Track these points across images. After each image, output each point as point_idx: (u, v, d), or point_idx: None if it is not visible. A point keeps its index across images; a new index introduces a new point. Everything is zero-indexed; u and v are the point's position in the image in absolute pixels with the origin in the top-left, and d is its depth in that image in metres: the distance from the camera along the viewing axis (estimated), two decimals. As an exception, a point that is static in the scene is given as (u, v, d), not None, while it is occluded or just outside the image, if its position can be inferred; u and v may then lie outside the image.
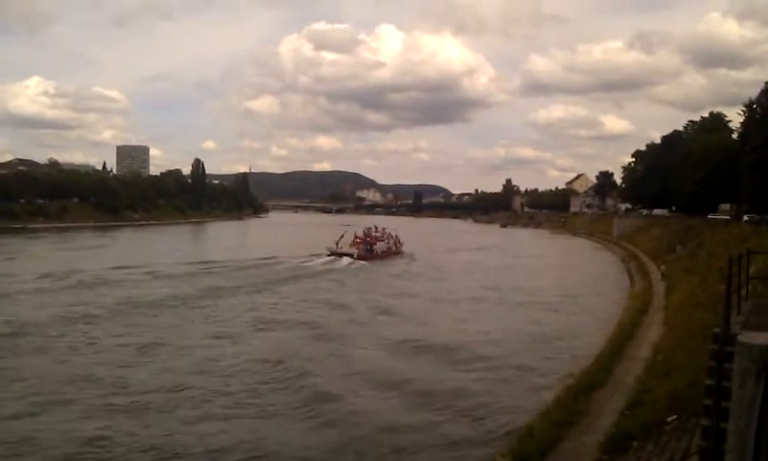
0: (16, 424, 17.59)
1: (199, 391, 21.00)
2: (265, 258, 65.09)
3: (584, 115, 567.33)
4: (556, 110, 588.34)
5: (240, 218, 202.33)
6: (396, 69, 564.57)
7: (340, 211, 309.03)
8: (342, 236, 73.99)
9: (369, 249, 73.24)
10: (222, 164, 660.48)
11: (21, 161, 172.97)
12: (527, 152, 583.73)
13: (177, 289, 44.39)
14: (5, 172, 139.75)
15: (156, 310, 36.30)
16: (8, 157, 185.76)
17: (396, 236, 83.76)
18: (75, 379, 21.87)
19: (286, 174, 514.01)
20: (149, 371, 23.57)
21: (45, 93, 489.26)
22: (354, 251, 70.93)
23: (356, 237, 76.82)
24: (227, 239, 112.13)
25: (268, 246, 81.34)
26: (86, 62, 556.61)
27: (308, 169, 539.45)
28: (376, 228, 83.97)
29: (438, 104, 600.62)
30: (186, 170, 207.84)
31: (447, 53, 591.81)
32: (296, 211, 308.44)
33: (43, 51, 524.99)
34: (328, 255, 69.08)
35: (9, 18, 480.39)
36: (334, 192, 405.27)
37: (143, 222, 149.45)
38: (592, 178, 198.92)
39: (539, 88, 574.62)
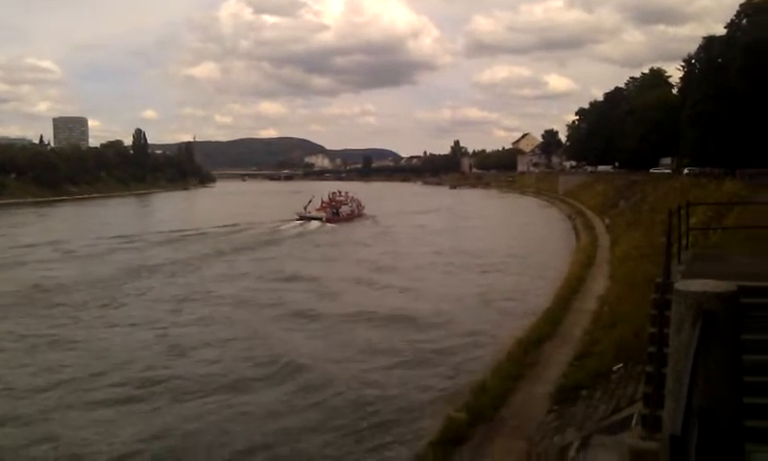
0: None
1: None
2: (236, 224, 67.52)
3: (528, 75, 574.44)
4: (500, 71, 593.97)
5: (186, 188, 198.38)
6: (339, 32, 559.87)
7: (289, 178, 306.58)
8: (310, 201, 77.03)
9: (335, 212, 77.03)
10: (164, 134, 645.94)
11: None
12: (474, 113, 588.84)
13: (164, 256, 45.83)
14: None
15: (153, 275, 38.64)
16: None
17: (359, 200, 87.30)
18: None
19: (232, 142, 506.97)
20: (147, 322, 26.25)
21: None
22: (322, 214, 74.35)
23: (322, 202, 79.66)
24: (182, 209, 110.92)
25: (231, 214, 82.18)
26: (18, 32, 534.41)
27: (254, 136, 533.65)
28: (340, 192, 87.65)
29: (384, 66, 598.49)
30: (128, 141, 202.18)
31: (391, 14, 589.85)
32: (243, 180, 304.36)
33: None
34: (297, 220, 72.17)
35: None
36: (282, 159, 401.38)
37: (85, 195, 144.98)
38: (538, 137, 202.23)
39: (483, 49, 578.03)
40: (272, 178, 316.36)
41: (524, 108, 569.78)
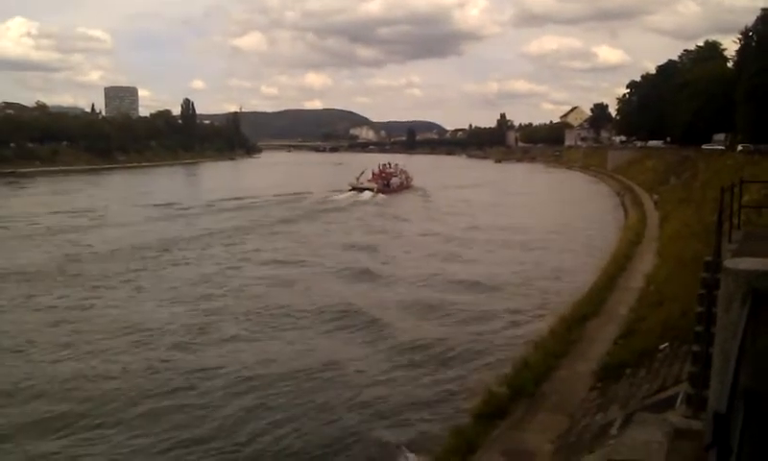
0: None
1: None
2: (293, 193, 71.21)
3: (578, 46, 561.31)
4: (549, 42, 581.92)
5: (232, 158, 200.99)
6: (385, 2, 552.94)
7: (333, 150, 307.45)
8: (362, 173, 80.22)
9: (386, 183, 79.69)
10: (211, 104, 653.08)
11: (8, 105, 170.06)
12: (521, 85, 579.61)
13: (232, 222, 48.44)
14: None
15: (230, 237, 41.47)
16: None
17: (407, 172, 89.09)
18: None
19: (277, 113, 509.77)
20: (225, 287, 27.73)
21: (28, 34, 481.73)
22: (374, 185, 77.24)
23: (373, 173, 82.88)
24: (233, 178, 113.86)
25: (282, 183, 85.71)
26: (69, 1, 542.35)
27: (300, 108, 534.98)
28: (390, 165, 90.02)
29: (430, 37, 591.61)
30: (176, 110, 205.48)
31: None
32: (288, 151, 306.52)
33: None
34: (350, 190, 75.04)
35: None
36: (327, 130, 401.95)
37: (134, 164, 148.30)
38: (587, 110, 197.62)
39: (532, 19, 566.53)
40: (316, 149, 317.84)
41: (573, 80, 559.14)
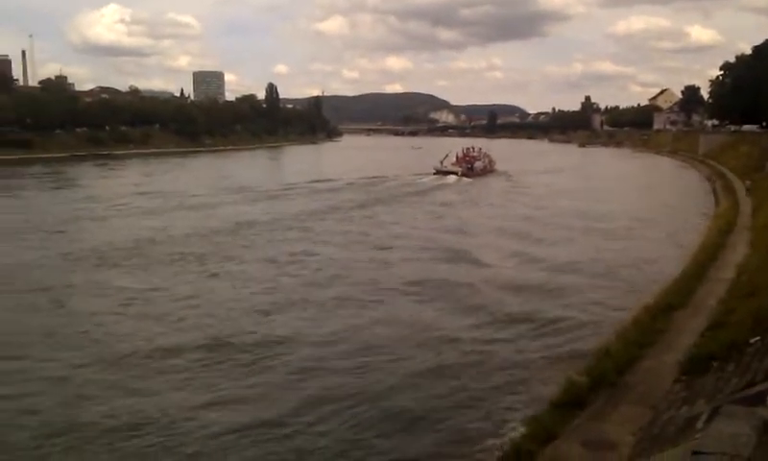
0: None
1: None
2: (377, 176, 72.64)
3: (668, 26, 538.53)
4: (637, 21, 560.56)
5: (314, 142, 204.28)
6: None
7: (413, 134, 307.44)
8: (446, 156, 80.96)
9: (470, 167, 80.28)
10: (294, 88, 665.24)
11: (103, 89, 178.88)
12: (607, 67, 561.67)
13: (323, 203, 49.99)
14: (90, 100, 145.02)
15: (323, 217, 43.17)
16: (90, 86, 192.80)
17: (491, 156, 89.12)
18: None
19: (358, 96, 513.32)
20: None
21: (122, 21, 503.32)
22: (458, 169, 78.26)
23: (457, 157, 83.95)
24: (317, 161, 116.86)
25: (366, 166, 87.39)
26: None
27: (380, 91, 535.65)
28: (473, 148, 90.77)
29: (512, 18, 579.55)
30: (261, 95, 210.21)
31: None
32: (368, 134, 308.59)
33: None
34: (434, 173, 75.88)
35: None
36: (407, 114, 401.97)
37: (220, 147, 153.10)
38: (677, 93, 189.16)
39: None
40: (396, 133, 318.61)
41: (663, 61, 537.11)
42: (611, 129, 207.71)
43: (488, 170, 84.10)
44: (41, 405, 14.14)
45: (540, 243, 34.88)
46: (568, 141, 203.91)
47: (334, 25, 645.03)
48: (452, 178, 73.48)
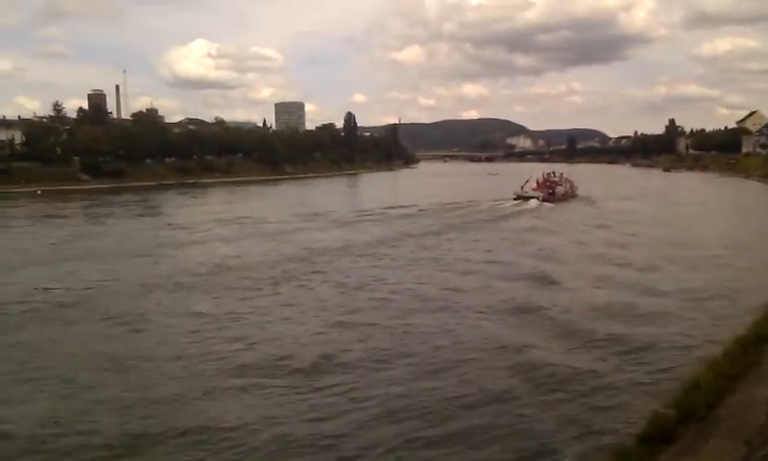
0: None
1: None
2: (464, 201, 72.87)
3: (755, 46, 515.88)
4: (723, 43, 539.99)
5: (391, 169, 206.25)
6: (545, 8, 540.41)
7: (489, 160, 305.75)
8: (526, 182, 79.76)
9: (551, 192, 78.77)
10: (371, 116, 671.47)
11: (191, 121, 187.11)
12: (691, 89, 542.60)
13: (397, 230, 50.46)
14: (178, 131, 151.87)
15: (396, 244, 43.14)
16: (179, 118, 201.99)
17: (572, 181, 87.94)
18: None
19: (434, 123, 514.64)
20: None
21: (209, 55, 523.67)
22: (539, 194, 76.57)
23: (538, 182, 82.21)
24: (395, 188, 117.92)
25: (445, 193, 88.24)
26: (244, 23, 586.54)
27: (456, 118, 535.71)
28: (554, 173, 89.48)
29: (591, 42, 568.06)
30: (339, 123, 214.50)
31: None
32: (445, 161, 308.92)
33: (205, 14, 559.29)
34: (514, 199, 75.22)
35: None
36: (483, 140, 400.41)
37: (300, 175, 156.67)
38: (767, 115, 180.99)
39: (704, 20, 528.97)
40: (472, 159, 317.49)
41: (751, 83, 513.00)
42: (696, 152, 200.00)
43: (569, 195, 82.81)
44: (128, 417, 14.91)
45: (627, 268, 34.00)
46: (652, 165, 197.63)
47: (410, 54, 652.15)
48: (533, 203, 72.57)
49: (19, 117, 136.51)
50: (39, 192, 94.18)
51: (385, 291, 28.43)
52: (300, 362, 18.79)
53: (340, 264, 35.46)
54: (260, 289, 28.85)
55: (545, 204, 72.51)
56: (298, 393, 16.66)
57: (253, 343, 20.82)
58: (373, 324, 22.95)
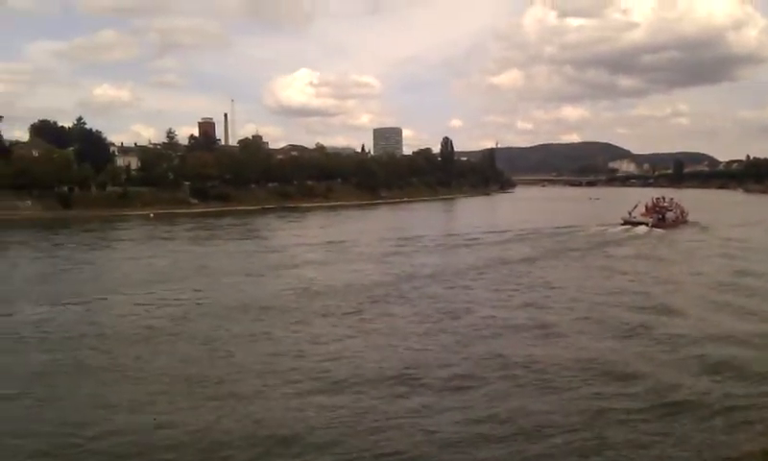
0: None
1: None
2: (564, 227, 73.06)
3: None
4: None
5: (487, 194, 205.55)
6: (649, 28, 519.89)
7: (590, 184, 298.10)
8: (635, 207, 78.59)
9: (661, 217, 76.84)
10: (468, 140, 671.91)
11: (293, 147, 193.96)
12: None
13: (490, 255, 50.05)
14: (281, 157, 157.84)
15: (485, 271, 42.05)
16: (282, 144, 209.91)
17: (682, 207, 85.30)
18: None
19: (532, 147, 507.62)
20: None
21: (311, 84, 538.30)
22: (648, 219, 74.73)
23: (646, 207, 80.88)
24: (491, 212, 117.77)
25: (547, 218, 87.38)
26: (344, 51, 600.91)
27: (555, 141, 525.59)
28: (663, 198, 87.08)
29: (699, 63, 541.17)
30: (435, 148, 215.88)
31: (709, 6, 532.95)
32: (543, 186, 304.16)
33: (308, 44, 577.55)
34: (622, 224, 73.97)
35: (280, 17, 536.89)
36: (583, 164, 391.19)
37: (396, 199, 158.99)
38: None
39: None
40: (572, 183, 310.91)
41: None
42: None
43: (680, 221, 79.86)
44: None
45: (753, 298, 32.37)
46: (766, 191, 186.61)
47: (508, 78, 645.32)
48: (642, 228, 70.62)
49: (135, 144, 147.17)
50: (152, 215, 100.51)
51: (470, 319, 27.66)
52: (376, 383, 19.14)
53: (427, 290, 34.78)
54: (345, 314, 28.74)
55: (655, 229, 70.62)
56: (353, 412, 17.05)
57: (332, 362, 21.34)
58: (451, 352, 22.69)
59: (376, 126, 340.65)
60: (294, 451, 14.75)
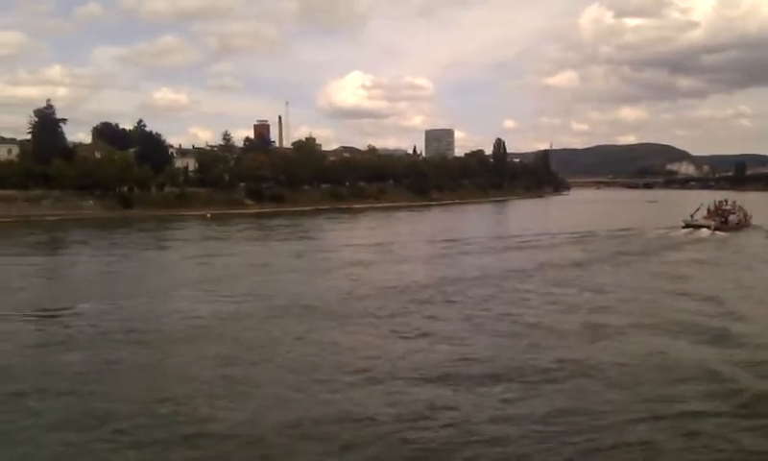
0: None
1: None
2: (624, 229, 72.72)
3: None
4: None
5: (540, 196, 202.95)
6: (709, 28, 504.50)
7: (648, 186, 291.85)
8: (697, 210, 77.31)
9: (723, 220, 75.78)
10: (522, 142, 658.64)
11: (345, 149, 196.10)
12: None
13: (588, 253, 51.07)
14: (333, 159, 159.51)
15: (533, 274, 41.08)
16: (334, 146, 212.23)
17: (745, 210, 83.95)
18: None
19: (587, 149, 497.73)
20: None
21: (363, 86, 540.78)
22: (711, 223, 73.52)
23: (708, 210, 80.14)
24: (544, 215, 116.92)
25: (606, 221, 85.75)
26: (396, 54, 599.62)
27: (611, 143, 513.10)
28: (726, 201, 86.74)
29: (762, 63, 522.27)
30: (488, 150, 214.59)
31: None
32: (598, 188, 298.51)
33: (361, 47, 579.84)
34: (684, 227, 72.62)
35: (333, 21, 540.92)
36: (640, 166, 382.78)
37: (447, 201, 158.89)
38: None
39: None
40: (628, 186, 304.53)
41: None
42: None
43: (743, 224, 78.35)
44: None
45: None
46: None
47: (563, 78, 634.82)
48: (705, 232, 69.34)
49: (193, 146, 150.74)
50: (209, 216, 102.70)
51: (512, 325, 26.66)
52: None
53: (472, 293, 33.93)
54: (389, 317, 28.22)
55: (718, 232, 69.27)
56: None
57: (374, 361, 21.33)
58: (489, 357, 22.07)
59: (428, 127, 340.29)
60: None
